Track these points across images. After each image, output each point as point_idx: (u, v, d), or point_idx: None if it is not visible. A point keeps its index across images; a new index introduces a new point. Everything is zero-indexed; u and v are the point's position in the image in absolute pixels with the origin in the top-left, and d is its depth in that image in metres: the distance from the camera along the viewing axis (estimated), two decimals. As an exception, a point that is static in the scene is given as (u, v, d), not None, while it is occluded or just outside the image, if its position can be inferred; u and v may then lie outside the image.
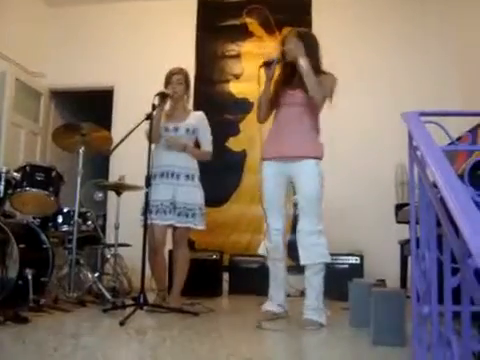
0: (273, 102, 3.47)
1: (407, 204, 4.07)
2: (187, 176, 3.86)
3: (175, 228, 3.87)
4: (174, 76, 3.96)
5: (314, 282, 3.24)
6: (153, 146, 3.71)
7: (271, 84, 3.43)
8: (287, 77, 3.46)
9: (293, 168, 3.32)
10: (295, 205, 3.50)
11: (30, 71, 6.28)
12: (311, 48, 3.40)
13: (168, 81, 3.96)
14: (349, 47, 5.82)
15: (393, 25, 5.90)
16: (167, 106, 3.96)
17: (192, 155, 3.92)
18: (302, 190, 3.29)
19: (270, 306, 3.43)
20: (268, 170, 3.41)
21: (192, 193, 3.85)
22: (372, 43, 5.89)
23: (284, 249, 3.45)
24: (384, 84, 5.72)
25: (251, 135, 5.92)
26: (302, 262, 3.21)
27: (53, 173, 4.08)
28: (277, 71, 3.48)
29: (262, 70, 3.37)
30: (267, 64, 3.36)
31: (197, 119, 3.99)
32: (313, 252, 3.20)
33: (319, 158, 3.33)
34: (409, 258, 4.06)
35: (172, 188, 3.79)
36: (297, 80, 3.36)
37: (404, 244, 4.43)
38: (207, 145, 4.00)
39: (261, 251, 3.47)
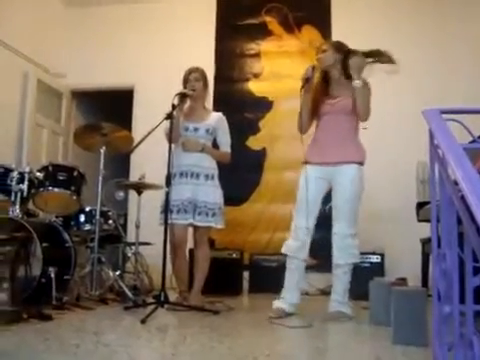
0: (313, 112, 3.56)
1: (428, 202, 4.04)
2: (207, 176, 3.87)
3: (196, 227, 3.90)
4: (191, 74, 3.98)
5: (344, 279, 3.39)
6: (173, 146, 3.73)
7: (309, 96, 3.52)
8: (324, 87, 3.56)
9: (335, 172, 3.43)
10: (324, 205, 3.55)
11: (51, 72, 6.36)
12: (343, 55, 3.51)
13: (186, 80, 3.98)
14: (369, 44, 5.76)
15: (415, 22, 5.84)
16: (186, 105, 3.97)
17: (211, 155, 3.93)
18: (342, 193, 3.40)
19: (282, 303, 3.46)
20: (312, 173, 3.47)
21: (212, 193, 3.86)
22: (393, 40, 5.78)
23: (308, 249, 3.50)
24: (406, 81, 5.65)
25: (271, 133, 5.93)
26: (336, 261, 3.38)
27: (75, 173, 4.12)
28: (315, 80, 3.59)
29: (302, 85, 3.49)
30: (306, 81, 3.46)
31: (217, 120, 4.00)
32: (347, 253, 3.36)
33: (361, 163, 3.46)
34: (430, 257, 4.03)
35: (192, 188, 3.81)
36: (335, 89, 3.52)
37: (425, 242, 4.40)
38: (226, 147, 4.00)
39: (286, 250, 3.49)
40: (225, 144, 4.00)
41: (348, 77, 3.46)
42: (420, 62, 5.69)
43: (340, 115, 3.47)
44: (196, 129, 3.93)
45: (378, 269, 4.80)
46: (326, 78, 3.58)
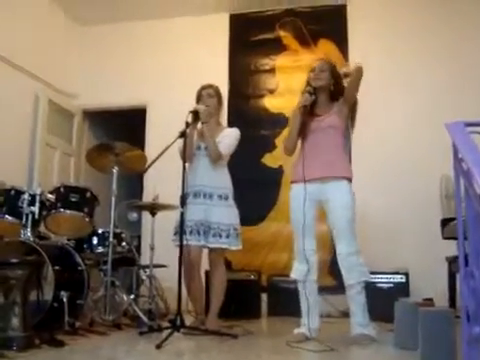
0: (300, 132, 3.60)
1: (454, 218, 3.99)
2: (220, 196, 3.87)
3: (210, 249, 3.89)
4: (204, 90, 4.02)
5: (359, 300, 3.34)
6: (187, 165, 3.74)
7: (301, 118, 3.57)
8: (312, 107, 3.60)
9: (323, 190, 3.44)
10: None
11: (63, 92, 6.45)
12: (336, 79, 3.60)
13: (199, 97, 4.01)
14: (386, 57, 5.79)
15: (432, 35, 5.83)
16: (200, 123, 3.98)
17: (207, 137, 3.89)
18: (335, 213, 3.40)
19: (302, 329, 3.43)
20: (295, 191, 3.51)
21: (226, 213, 3.86)
22: (410, 53, 5.83)
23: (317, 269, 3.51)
24: (425, 94, 5.66)
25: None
26: (347, 282, 3.35)
27: (88, 194, 4.14)
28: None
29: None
30: (305, 108, 3.52)
31: (225, 132, 4.00)
32: (355, 272, 3.33)
33: (349, 179, 3.48)
34: (458, 275, 3.97)
35: (205, 208, 3.81)
36: (320, 108, 3.59)
37: (452, 261, 4.34)
38: (221, 146, 3.93)
39: (295, 275, 3.50)
40: (223, 145, 3.93)
41: (333, 99, 3.59)
42: (440, 76, 5.67)
43: (328, 130, 3.52)
44: (207, 148, 3.93)
45: (402, 289, 4.74)
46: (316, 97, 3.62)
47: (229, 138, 3.98)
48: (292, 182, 3.58)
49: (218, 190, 3.88)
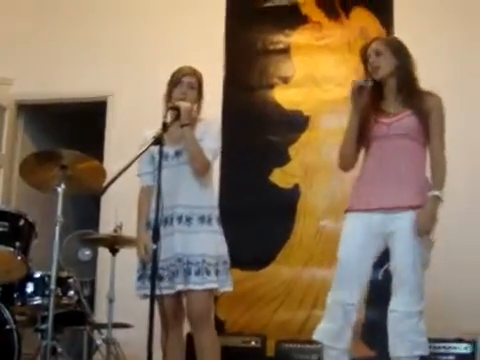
0: (361, 137, 3.60)
1: None
2: (201, 218, 3.83)
3: (192, 296, 3.83)
4: (186, 77, 4.02)
5: None
6: (154, 177, 3.71)
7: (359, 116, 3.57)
8: (376, 102, 3.61)
9: (392, 223, 3.42)
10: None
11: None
12: (404, 59, 3.58)
13: (176, 82, 4.01)
14: (445, 37, 5.79)
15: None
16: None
17: (190, 143, 3.85)
18: (400, 253, 3.39)
19: None
20: (354, 223, 3.51)
21: (210, 241, 3.83)
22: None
23: (353, 334, 3.48)
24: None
25: (307, 163, 5.92)
26: (393, 354, 3.31)
27: (21, 222, 4.14)
28: None
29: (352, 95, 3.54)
30: (359, 91, 3.51)
31: (203, 130, 3.97)
32: (410, 341, 3.29)
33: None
34: None
35: (182, 238, 3.78)
36: (391, 104, 3.57)
37: None
38: (207, 153, 3.90)
39: (320, 336, 3.48)
40: (207, 150, 3.91)
41: (408, 92, 3.53)
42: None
43: (401, 139, 3.49)
44: (178, 153, 3.91)
45: (467, 363, 4.76)
46: (378, 90, 3.62)
47: (214, 140, 3.98)
48: (347, 211, 3.57)
49: (199, 210, 3.84)
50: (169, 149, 3.89)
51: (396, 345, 3.30)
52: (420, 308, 3.33)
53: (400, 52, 3.59)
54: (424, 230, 3.31)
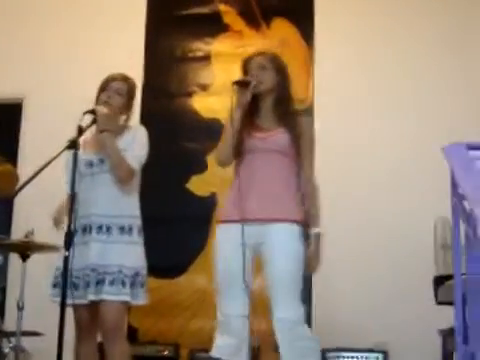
0: (235, 148, 3.59)
1: (451, 276, 4.09)
2: (122, 229, 3.79)
3: (105, 306, 3.77)
4: (114, 83, 3.96)
5: None
6: (78, 185, 3.66)
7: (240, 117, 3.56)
8: (251, 116, 3.63)
9: (265, 234, 3.44)
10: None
11: None
12: (285, 78, 3.67)
13: (104, 87, 3.95)
14: (363, 49, 5.88)
15: (425, 27, 5.97)
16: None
17: (110, 150, 3.79)
18: (276, 261, 3.40)
19: None
20: (225, 235, 3.53)
21: (130, 253, 3.77)
22: (394, 46, 5.95)
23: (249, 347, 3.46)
24: (415, 106, 5.78)
25: (223, 172, 5.90)
26: None
27: None
28: None
29: (235, 89, 3.53)
30: (243, 84, 3.52)
31: (132, 135, 3.92)
32: (302, 349, 3.31)
33: (300, 222, 3.46)
34: (455, 355, 4.05)
35: (99, 247, 3.73)
36: (266, 119, 3.63)
37: (447, 335, 4.43)
38: (130, 159, 3.83)
39: (218, 353, 3.45)
40: (133, 157, 3.84)
41: (283, 110, 3.60)
42: (436, 80, 5.84)
43: (273, 154, 3.53)
44: (102, 161, 3.84)
45: (379, 374, 4.81)
46: (253, 105, 3.63)
47: (139, 145, 3.93)
48: (220, 222, 3.61)
49: (119, 220, 3.79)
50: (93, 156, 3.85)
51: (287, 355, 3.29)
52: (301, 314, 3.35)
53: (282, 70, 3.66)
54: (315, 267, 3.47)
